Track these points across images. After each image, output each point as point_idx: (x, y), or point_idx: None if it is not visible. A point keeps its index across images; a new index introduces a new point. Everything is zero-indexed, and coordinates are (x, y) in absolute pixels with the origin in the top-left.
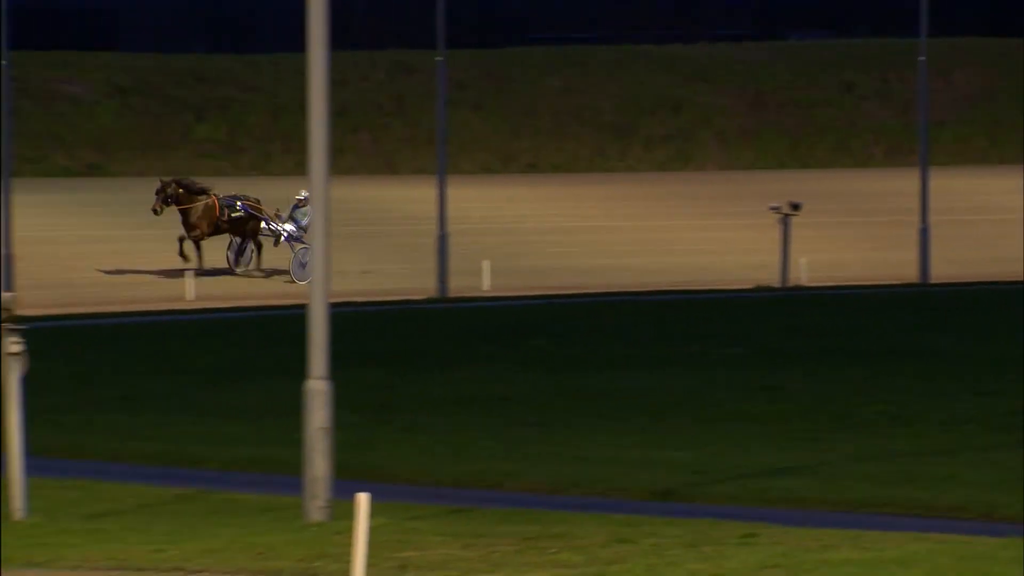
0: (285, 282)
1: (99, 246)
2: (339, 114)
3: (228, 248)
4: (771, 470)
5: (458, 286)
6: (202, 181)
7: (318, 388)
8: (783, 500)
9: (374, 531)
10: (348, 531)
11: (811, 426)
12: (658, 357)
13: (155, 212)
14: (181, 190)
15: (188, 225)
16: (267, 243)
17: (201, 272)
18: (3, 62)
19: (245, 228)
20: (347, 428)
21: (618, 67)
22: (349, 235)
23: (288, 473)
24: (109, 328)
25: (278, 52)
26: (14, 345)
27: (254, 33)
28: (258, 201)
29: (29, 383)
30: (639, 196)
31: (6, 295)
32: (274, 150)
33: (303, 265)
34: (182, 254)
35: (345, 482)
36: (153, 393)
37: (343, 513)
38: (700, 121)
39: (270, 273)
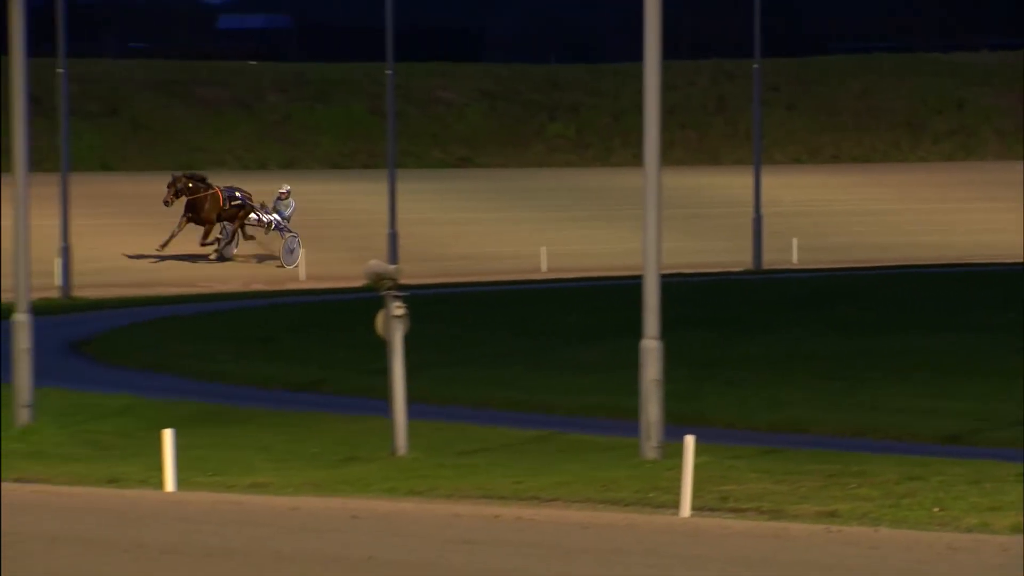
0: (276, 267)
1: (468, 227)
2: (669, 114)
3: (220, 233)
4: None
5: (771, 260)
6: (205, 174)
7: (651, 346)
8: None
9: (699, 468)
10: (677, 468)
11: None
12: (944, 321)
13: (166, 204)
14: (191, 184)
15: (196, 214)
16: (258, 232)
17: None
18: (390, 72)
19: (241, 216)
20: (676, 381)
21: (910, 72)
22: (678, 217)
23: (626, 418)
24: (476, 295)
25: (619, 62)
26: (398, 309)
27: (598, 46)
28: (249, 194)
29: (410, 341)
30: (928, 183)
31: (392, 267)
32: (615, 145)
33: (291, 251)
34: (205, 242)
35: (674, 427)
36: (513, 350)
37: (673, 453)
38: (981, 119)
39: (262, 259)
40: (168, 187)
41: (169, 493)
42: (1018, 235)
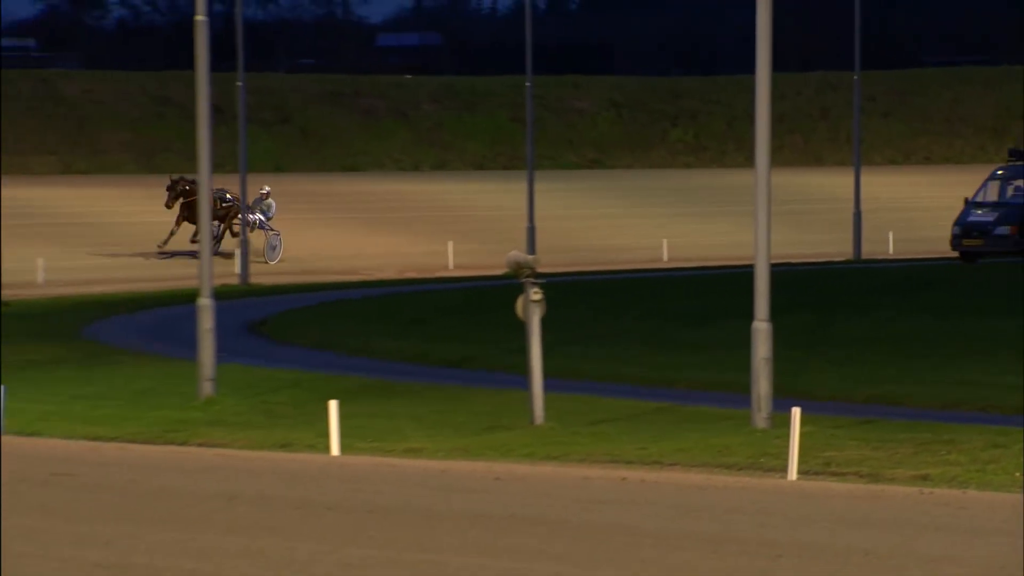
0: (258, 262)
1: (598, 221)
2: (778, 121)
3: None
4: None
5: (869, 251)
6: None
7: (762, 327)
8: None
9: (804, 436)
10: (784, 436)
11: None
12: None
13: (167, 206)
14: (188, 187)
15: (192, 213)
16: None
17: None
18: (529, 84)
19: (230, 216)
20: (783, 359)
21: (996, 83)
22: (785, 212)
23: (739, 392)
24: (605, 283)
25: (733, 74)
26: (535, 294)
27: (715, 59)
28: (236, 196)
29: (546, 323)
30: None
31: (530, 257)
32: (729, 148)
33: (273, 248)
34: (170, 237)
35: (781, 399)
36: (638, 331)
37: (780, 423)
38: None
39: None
40: (168, 190)
41: (334, 457)
42: None
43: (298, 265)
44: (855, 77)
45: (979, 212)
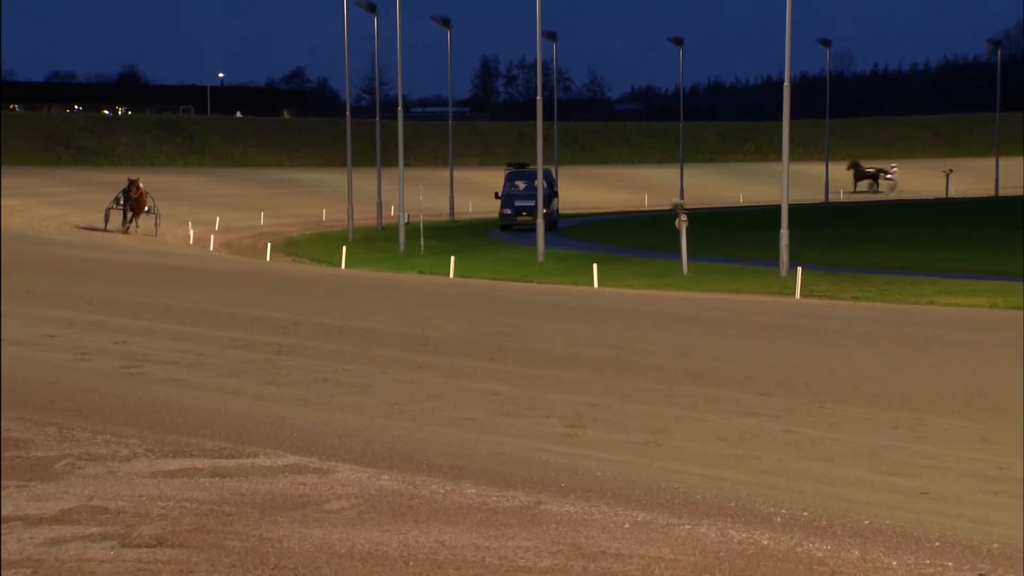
0: (146, 235)
1: (715, 184)
2: (795, 143)
3: (122, 212)
4: None
5: (832, 197)
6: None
7: (784, 232)
8: None
9: (802, 280)
10: (794, 280)
11: None
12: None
13: (128, 195)
14: (137, 186)
15: (136, 203)
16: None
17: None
18: (681, 126)
19: (148, 205)
20: (794, 246)
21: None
22: (795, 180)
23: (772, 260)
24: (713, 213)
25: (772, 120)
26: (684, 218)
27: (765, 113)
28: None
29: (690, 231)
30: None
31: (682, 200)
32: (769, 154)
33: (159, 225)
34: (107, 221)
35: (793, 264)
36: (728, 234)
37: (792, 274)
38: None
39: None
40: (131, 185)
41: (596, 288)
42: None
43: (578, 206)
44: (826, 121)
45: (521, 199)
